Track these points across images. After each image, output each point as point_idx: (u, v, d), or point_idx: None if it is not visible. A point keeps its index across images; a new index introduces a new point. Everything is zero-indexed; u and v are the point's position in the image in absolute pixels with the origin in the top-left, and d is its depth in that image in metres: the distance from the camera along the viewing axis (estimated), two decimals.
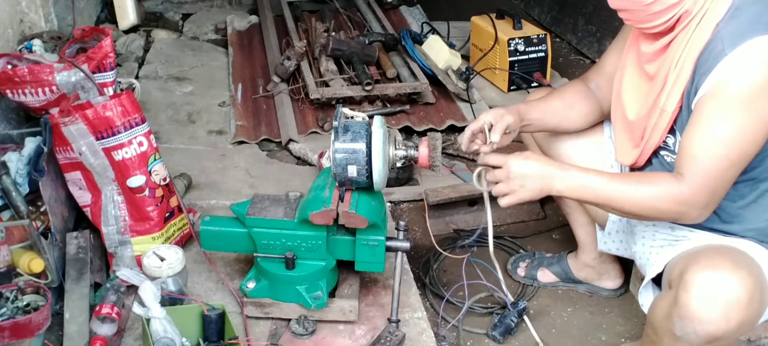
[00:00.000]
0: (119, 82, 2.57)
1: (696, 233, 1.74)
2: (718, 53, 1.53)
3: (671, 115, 1.67)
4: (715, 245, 1.68)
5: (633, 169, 1.85)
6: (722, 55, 1.52)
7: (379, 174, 1.84)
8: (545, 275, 2.37)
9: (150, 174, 2.15)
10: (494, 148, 1.81)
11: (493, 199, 1.81)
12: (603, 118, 2.02)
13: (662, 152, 1.76)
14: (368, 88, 3.18)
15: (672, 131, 1.71)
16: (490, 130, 1.83)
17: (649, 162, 1.81)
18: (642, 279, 1.84)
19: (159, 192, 2.18)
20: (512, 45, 3.45)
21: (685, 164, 1.60)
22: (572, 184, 1.69)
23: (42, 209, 2.10)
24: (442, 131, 3.12)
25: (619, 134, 1.85)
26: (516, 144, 2.00)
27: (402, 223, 1.97)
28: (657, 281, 1.80)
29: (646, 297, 1.83)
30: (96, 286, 2.08)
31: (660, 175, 1.68)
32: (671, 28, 1.63)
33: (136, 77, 3.52)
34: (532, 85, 3.49)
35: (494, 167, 1.76)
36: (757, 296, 1.52)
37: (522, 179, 1.71)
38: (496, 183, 1.75)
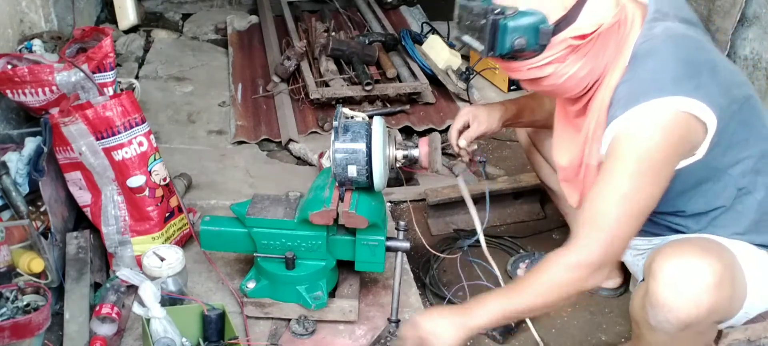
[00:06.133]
0: (119, 82, 2.57)
1: (673, 236, 1.76)
2: (612, 116, 1.55)
3: (595, 169, 1.68)
4: (686, 236, 1.69)
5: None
6: (615, 116, 1.54)
7: (379, 174, 1.84)
8: None
9: (150, 174, 2.15)
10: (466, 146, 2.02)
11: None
12: None
13: None
14: (368, 88, 3.18)
15: None
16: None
17: None
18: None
19: (159, 192, 2.18)
20: None
21: (577, 227, 1.61)
22: (485, 314, 1.62)
23: (42, 209, 2.10)
24: (442, 131, 3.11)
25: (562, 182, 1.88)
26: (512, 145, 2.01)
27: (402, 223, 1.97)
28: None
29: None
30: (96, 286, 2.08)
31: (550, 256, 1.62)
32: (590, 89, 1.64)
33: (136, 77, 3.53)
34: None
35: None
36: (727, 280, 1.53)
37: (434, 336, 1.63)
38: None
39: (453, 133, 2.05)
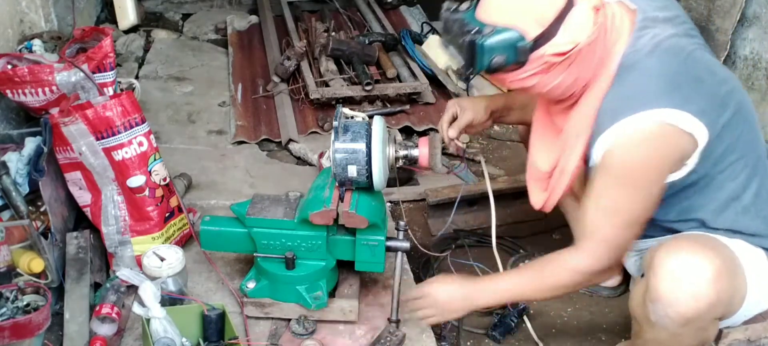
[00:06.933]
0: (119, 82, 2.57)
1: (666, 235, 1.77)
2: (601, 127, 1.57)
3: (570, 174, 1.71)
4: (685, 233, 1.70)
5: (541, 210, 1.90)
6: (601, 130, 1.57)
7: (378, 174, 1.84)
8: None
9: (150, 174, 2.15)
10: (456, 136, 2.02)
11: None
12: None
13: None
14: (368, 88, 3.18)
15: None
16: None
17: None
18: None
19: (159, 192, 2.18)
20: None
21: (580, 234, 1.72)
22: (493, 295, 1.84)
23: (42, 209, 2.10)
24: None
25: (530, 180, 1.88)
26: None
27: (402, 223, 1.97)
28: None
29: None
30: (96, 286, 2.08)
31: (557, 255, 1.77)
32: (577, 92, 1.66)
33: (136, 77, 3.53)
34: None
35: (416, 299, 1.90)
36: (726, 275, 1.54)
37: (444, 302, 1.85)
38: (420, 310, 1.89)
39: (443, 127, 2.07)
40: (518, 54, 1.51)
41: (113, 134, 2.08)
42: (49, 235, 2.05)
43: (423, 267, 2.43)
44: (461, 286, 1.85)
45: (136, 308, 1.81)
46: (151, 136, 2.18)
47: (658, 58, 1.55)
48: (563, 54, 1.53)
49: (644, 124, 1.51)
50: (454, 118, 2.07)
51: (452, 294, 1.84)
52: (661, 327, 1.57)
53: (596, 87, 1.60)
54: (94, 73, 2.31)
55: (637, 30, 1.59)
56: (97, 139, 2.08)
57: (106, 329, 1.90)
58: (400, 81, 3.34)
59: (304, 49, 3.48)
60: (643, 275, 1.80)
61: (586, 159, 1.68)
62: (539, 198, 1.84)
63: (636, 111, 1.51)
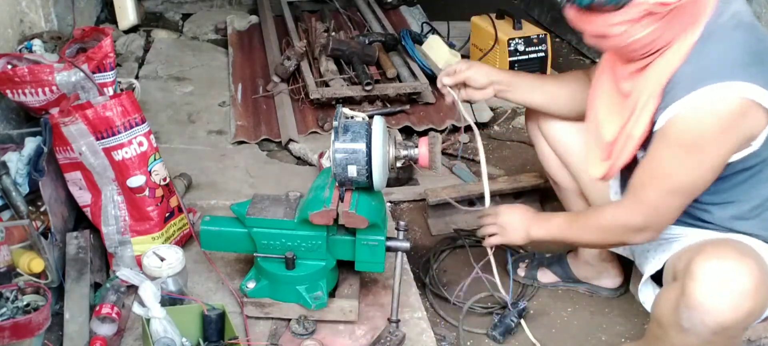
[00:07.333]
0: (119, 82, 2.57)
1: (691, 230, 1.76)
2: (675, 93, 1.56)
3: (638, 140, 1.69)
4: (718, 237, 1.69)
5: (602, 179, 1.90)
6: (677, 96, 1.55)
7: (379, 174, 1.84)
8: (545, 275, 2.37)
9: (150, 174, 2.15)
10: (450, 84, 2.04)
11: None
12: None
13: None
14: (368, 88, 3.18)
15: (643, 147, 1.71)
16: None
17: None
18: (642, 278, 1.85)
19: (159, 192, 2.18)
20: (512, 45, 3.45)
21: (627, 190, 1.74)
22: (545, 229, 1.93)
23: (42, 209, 2.10)
24: (442, 131, 3.11)
25: (592, 148, 1.86)
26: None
27: (402, 223, 1.97)
28: (655, 278, 1.81)
29: (646, 294, 1.84)
30: (96, 286, 2.08)
31: (605, 205, 1.87)
32: (650, 54, 1.63)
33: (136, 77, 3.53)
34: None
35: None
36: (764, 285, 1.53)
37: (508, 225, 1.98)
38: (485, 227, 2.02)
39: (440, 75, 2.07)
40: None
41: (113, 134, 2.08)
42: (49, 235, 2.05)
43: (423, 267, 2.43)
44: (523, 215, 1.96)
45: (136, 308, 1.81)
46: (151, 136, 2.18)
47: (743, 33, 1.54)
48: (667, 5, 1.49)
49: (725, 96, 1.50)
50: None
51: (514, 221, 1.96)
52: (693, 334, 1.55)
53: (674, 50, 1.57)
54: (94, 73, 2.31)
55: (721, 2, 1.57)
56: (97, 139, 2.08)
57: (106, 329, 1.90)
58: (400, 81, 3.34)
59: (304, 49, 3.48)
60: (658, 275, 1.79)
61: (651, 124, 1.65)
62: (600, 169, 1.81)
63: (712, 82, 1.50)
